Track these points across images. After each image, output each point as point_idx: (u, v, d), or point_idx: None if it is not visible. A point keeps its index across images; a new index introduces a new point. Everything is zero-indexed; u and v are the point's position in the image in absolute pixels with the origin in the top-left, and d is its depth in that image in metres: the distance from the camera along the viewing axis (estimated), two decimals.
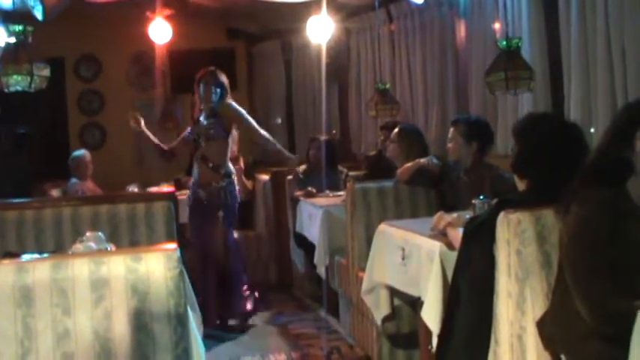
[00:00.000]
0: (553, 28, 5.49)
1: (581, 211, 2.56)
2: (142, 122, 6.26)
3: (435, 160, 5.30)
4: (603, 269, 2.48)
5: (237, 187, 6.47)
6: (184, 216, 6.51)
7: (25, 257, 3.03)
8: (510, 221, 2.83)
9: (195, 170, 6.37)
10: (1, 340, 2.34)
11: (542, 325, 2.78)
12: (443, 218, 3.91)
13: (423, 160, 5.32)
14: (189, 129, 6.47)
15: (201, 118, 6.32)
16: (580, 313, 2.51)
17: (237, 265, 6.51)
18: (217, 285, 6.34)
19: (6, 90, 4.59)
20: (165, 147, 6.45)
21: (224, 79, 6.34)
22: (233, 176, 6.39)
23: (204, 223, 6.31)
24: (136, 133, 6.62)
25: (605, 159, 2.66)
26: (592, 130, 5.04)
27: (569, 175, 2.99)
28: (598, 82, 4.99)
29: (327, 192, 7.00)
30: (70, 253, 3.33)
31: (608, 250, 2.49)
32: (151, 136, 6.37)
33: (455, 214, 3.92)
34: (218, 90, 6.26)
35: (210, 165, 6.24)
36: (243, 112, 6.43)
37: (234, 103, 6.40)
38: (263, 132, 6.45)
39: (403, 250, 4.20)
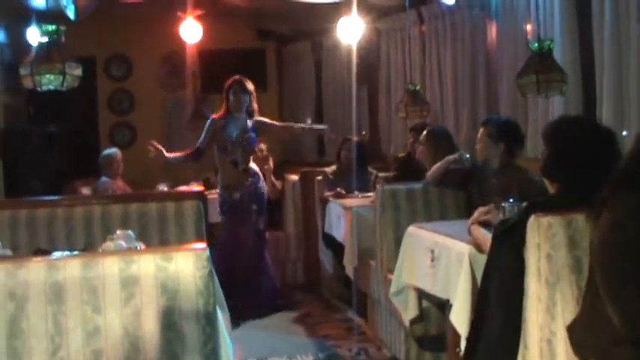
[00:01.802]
0: (586, 30, 5.44)
1: (613, 216, 2.53)
2: (163, 150, 6.68)
3: (466, 156, 5.26)
4: (634, 275, 2.45)
5: (263, 182, 6.98)
6: (214, 215, 6.58)
7: (56, 255, 3.05)
8: (541, 225, 2.81)
9: (224, 173, 6.85)
10: (32, 337, 2.36)
11: (572, 330, 2.75)
12: (476, 215, 3.90)
13: (452, 157, 5.29)
14: (209, 124, 6.87)
15: (234, 130, 6.74)
16: (611, 319, 2.48)
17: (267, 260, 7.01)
18: (245, 281, 6.72)
19: (39, 89, 4.63)
20: (188, 152, 6.85)
21: (250, 86, 6.84)
22: (258, 174, 6.93)
23: (241, 221, 6.80)
24: (166, 134, 6.89)
25: (638, 164, 2.63)
26: (624, 133, 4.99)
27: (600, 179, 2.96)
28: (630, 86, 4.94)
29: (357, 193, 7.00)
30: (100, 251, 3.35)
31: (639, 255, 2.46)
32: (173, 155, 6.80)
33: (489, 211, 3.89)
34: (247, 97, 6.78)
35: (241, 168, 6.76)
36: (270, 121, 7.03)
37: (262, 119, 6.93)
38: (287, 124, 7.19)
39: (432, 252, 4.19)
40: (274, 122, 7.07)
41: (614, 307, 2.45)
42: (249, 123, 6.79)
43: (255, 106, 6.85)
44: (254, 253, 6.82)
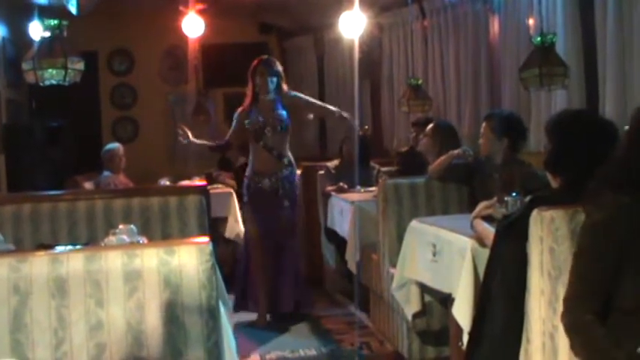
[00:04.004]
0: (588, 24, 5.44)
1: (594, 215, 2.53)
2: (190, 135, 6.33)
3: (470, 152, 5.25)
4: (598, 284, 2.45)
5: (297, 174, 6.58)
6: (217, 210, 6.53)
7: (59, 249, 3.06)
8: (544, 218, 2.81)
9: (256, 159, 6.36)
10: (36, 330, 2.37)
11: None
12: (479, 209, 3.91)
13: (456, 151, 5.28)
14: (236, 116, 6.47)
15: (259, 115, 6.28)
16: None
17: (299, 254, 6.71)
18: (276, 275, 6.43)
19: (41, 84, 4.63)
20: (215, 143, 6.55)
21: (278, 66, 6.38)
22: (294, 165, 6.48)
23: (270, 212, 6.35)
24: (169, 128, 6.74)
25: (627, 162, 2.62)
26: (626, 127, 4.98)
27: None
28: (634, 79, 4.94)
29: (359, 187, 7.00)
30: (102, 245, 3.35)
31: (616, 261, 2.44)
32: (200, 142, 6.45)
33: (491, 205, 3.89)
34: (274, 79, 6.30)
35: (275, 154, 6.29)
36: (306, 97, 6.53)
37: (297, 93, 6.50)
38: (329, 106, 6.60)
39: (434, 246, 4.19)
40: (311, 100, 6.55)
41: (564, 302, 2.55)
42: (280, 100, 6.30)
43: (284, 86, 6.36)
44: (286, 248, 6.47)
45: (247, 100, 6.39)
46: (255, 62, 6.35)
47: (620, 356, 2.37)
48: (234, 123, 6.48)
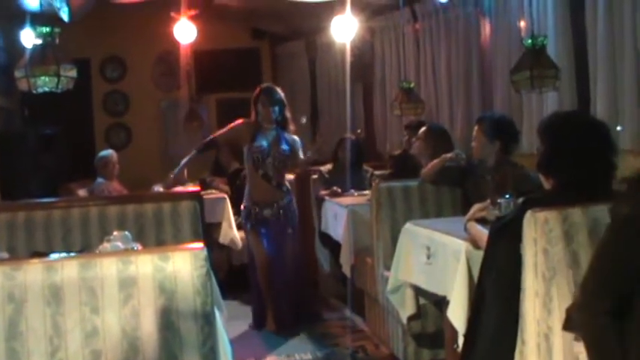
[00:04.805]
0: (579, 26, 5.46)
1: (617, 212, 2.51)
2: (172, 175, 6.51)
3: (462, 155, 5.26)
4: (613, 283, 2.42)
5: (294, 201, 6.52)
6: (210, 216, 6.53)
7: (54, 256, 3.05)
8: (537, 220, 2.82)
9: (254, 188, 6.32)
10: (31, 338, 2.37)
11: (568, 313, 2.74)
12: (473, 211, 3.91)
13: (449, 155, 5.28)
14: (237, 126, 6.34)
15: (264, 141, 6.23)
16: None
17: (304, 277, 6.70)
18: (287, 296, 6.39)
19: (34, 91, 4.63)
20: (200, 146, 6.44)
21: (279, 94, 6.29)
22: (291, 192, 6.48)
23: (275, 240, 6.33)
24: (162, 134, 6.72)
25: None
26: (618, 128, 5.00)
27: (595, 173, 2.98)
28: (625, 81, 4.96)
29: (352, 191, 7.01)
30: (97, 252, 3.35)
31: (633, 261, 2.42)
32: (184, 163, 6.40)
33: (485, 207, 3.90)
34: (276, 108, 6.22)
35: (274, 183, 6.26)
36: (299, 153, 6.39)
37: (297, 144, 6.37)
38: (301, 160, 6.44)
39: (429, 249, 4.20)
40: (300, 156, 6.35)
41: (578, 295, 2.48)
42: (283, 135, 6.28)
43: (287, 114, 6.33)
44: (291, 274, 6.42)
45: (252, 120, 6.30)
46: (256, 91, 6.30)
47: None
48: (229, 128, 6.37)
